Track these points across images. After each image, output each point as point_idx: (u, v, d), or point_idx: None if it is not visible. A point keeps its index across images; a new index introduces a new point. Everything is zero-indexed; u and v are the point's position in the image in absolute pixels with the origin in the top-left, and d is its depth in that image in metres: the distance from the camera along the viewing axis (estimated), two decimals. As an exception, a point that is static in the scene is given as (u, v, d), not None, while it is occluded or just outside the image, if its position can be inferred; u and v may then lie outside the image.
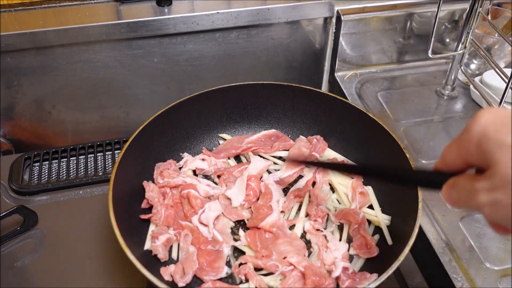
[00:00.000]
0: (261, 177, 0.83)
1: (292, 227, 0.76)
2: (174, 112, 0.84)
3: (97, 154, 0.95)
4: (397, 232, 0.71)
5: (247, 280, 0.67)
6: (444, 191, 0.44)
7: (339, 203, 0.80)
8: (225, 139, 0.92)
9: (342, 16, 1.06)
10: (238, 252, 0.73)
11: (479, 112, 0.40)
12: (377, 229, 0.75)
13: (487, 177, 0.38)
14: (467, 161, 0.42)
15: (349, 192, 0.79)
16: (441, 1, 0.90)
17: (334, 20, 1.09)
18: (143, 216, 0.75)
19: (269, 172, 0.86)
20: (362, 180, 0.81)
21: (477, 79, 1.03)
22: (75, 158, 0.95)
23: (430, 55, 0.95)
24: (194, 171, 0.85)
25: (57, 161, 0.94)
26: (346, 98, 1.02)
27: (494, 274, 0.71)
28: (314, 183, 0.82)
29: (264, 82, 0.89)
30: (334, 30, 1.10)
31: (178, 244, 0.73)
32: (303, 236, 0.75)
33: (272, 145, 0.89)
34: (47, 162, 0.93)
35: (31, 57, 0.98)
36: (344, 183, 0.81)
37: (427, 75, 1.14)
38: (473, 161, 0.41)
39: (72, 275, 0.74)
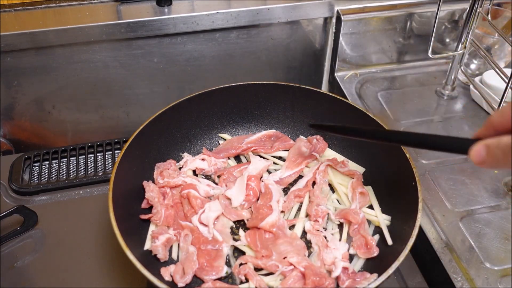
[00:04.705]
0: (261, 177, 0.83)
1: (292, 227, 0.76)
2: (174, 112, 0.84)
3: (97, 154, 0.95)
4: (397, 232, 0.71)
5: (247, 280, 0.67)
6: (475, 150, 0.48)
7: (339, 203, 0.80)
8: (225, 139, 0.92)
9: (342, 16, 1.06)
10: (238, 252, 0.73)
11: None
12: (377, 229, 0.75)
13: None
14: None
15: (349, 192, 0.79)
16: (441, 1, 0.90)
17: (334, 20, 1.09)
18: (143, 216, 0.75)
19: (269, 172, 0.86)
20: (362, 181, 0.81)
21: (477, 79, 1.03)
22: (75, 158, 0.95)
23: (430, 55, 0.95)
24: (194, 171, 0.85)
25: (57, 161, 0.94)
26: (346, 98, 1.02)
27: (494, 274, 0.71)
28: (314, 183, 0.82)
29: (264, 82, 0.89)
30: (334, 30, 1.10)
31: (178, 244, 0.73)
32: (303, 236, 0.75)
33: (272, 145, 0.89)
34: (47, 162, 0.93)
35: (31, 57, 0.98)
36: (344, 183, 0.81)
37: (427, 75, 1.14)
38: None
39: (72, 275, 0.74)
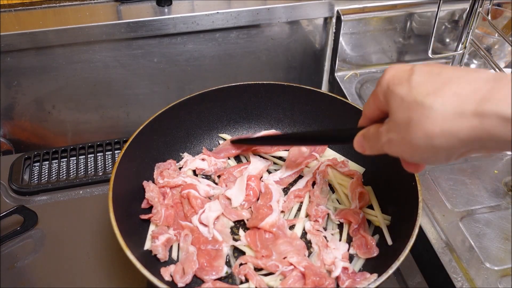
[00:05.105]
0: (261, 177, 0.83)
1: (292, 227, 0.76)
2: (174, 112, 0.84)
3: (97, 154, 0.95)
4: (397, 232, 0.71)
5: (247, 280, 0.67)
6: (356, 141, 0.55)
7: (339, 203, 0.80)
8: (225, 139, 0.92)
9: (342, 16, 1.06)
10: (238, 252, 0.73)
11: (387, 68, 0.49)
12: (377, 229, 0.75)
13: (387, 122, 0.48)
14: (380, 110, 0.50)
15: (349, 192, 0.79)
16: (441, 1, 0.90)
17: (334, 20, 1.09)
18: (143, 216, 0.75)
19: (269, 172, 0.86)
20: (362, 181, 0.81)
21: (477, 79, 1.03)
22: (75, 158, 0.95)
23: (430, 55, 0.95)
24: (194, 171, 0.85)
25: (57, 161, 0.94)
26: (346, 98, 1.02)
27: (494, 274, 0.71)
28: (314, 183, 0.82)
29: (264, 82, 0.89)
30: (334, 30, 1.10)
31: (178, 244, 0.73)
32: (303, 236, 0.75)
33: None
34: (47, 162, 0.93)
35: (31, 57, 0.98)
36: (344, 183, 0.81)
37: (427, 75, 1.14)
38: (384, 109, 0.49)
39: (72, 275, 0.74)
